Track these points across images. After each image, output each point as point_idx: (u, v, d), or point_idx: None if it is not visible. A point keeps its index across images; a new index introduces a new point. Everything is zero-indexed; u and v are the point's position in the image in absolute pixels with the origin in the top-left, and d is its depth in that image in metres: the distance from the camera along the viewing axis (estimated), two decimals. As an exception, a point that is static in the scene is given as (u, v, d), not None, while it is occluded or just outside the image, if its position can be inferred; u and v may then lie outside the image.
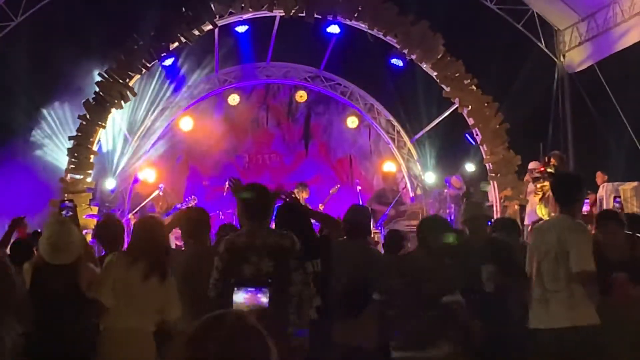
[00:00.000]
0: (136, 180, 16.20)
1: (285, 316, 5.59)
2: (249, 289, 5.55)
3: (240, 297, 5.55)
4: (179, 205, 14.29)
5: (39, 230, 8.20)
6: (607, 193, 13.57)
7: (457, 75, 14.97)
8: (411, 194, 17.56)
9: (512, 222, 8.90)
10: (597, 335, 5.80)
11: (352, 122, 17.67)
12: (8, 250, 7.88)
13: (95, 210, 13.97)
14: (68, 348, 6.05)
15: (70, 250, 6.15)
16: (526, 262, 6.27)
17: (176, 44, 14.48)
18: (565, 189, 6.28)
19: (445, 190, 15.62)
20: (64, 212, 6.94)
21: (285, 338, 5.39)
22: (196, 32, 14.39)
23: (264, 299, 5.52)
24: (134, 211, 14.61)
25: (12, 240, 8.15)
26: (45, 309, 6.08)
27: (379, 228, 14.57)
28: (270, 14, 14.81)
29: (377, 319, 6.34)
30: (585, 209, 11.53)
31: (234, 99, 17.14)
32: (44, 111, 15.22)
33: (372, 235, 13.14)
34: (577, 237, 5.87)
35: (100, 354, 6.06)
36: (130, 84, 14.35)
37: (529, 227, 11.49)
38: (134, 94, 14.63)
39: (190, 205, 14.03)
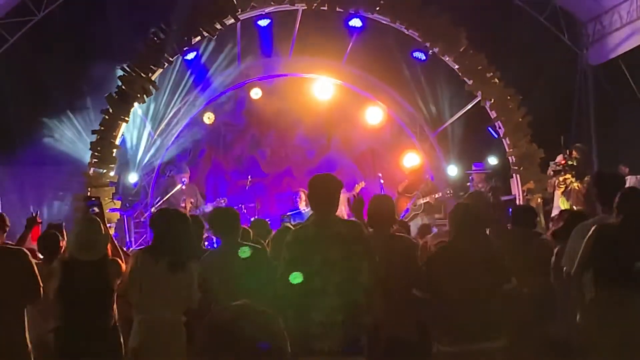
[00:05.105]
0: (158, 174, 16.29)
1: None
2: None
3: None
4: (206, 207, 14.36)
5: (55, 223, 8.31)
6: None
7: (479, 68, 14.93)
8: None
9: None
10: None
11: (374, 115, 17.61)
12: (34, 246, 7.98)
13: (118, 204, 14.05)
14: (96, 342, 6.21)
15: (97, 247, 6.36)
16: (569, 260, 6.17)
17: (198, 37, 14.53)
18: (612, 190, 6.12)
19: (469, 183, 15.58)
20: (91, 210, 7.05)
21: None
22: (218, 26, 14.43)
23: None
24: (157, 205, 14.66)
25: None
26: (74, 304, 6.23)
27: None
28: (292, 7, 14.81)
29: (418, 311, 6.28)
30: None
31: (256, 93, 17.13)
32: (67, 106, 15.30)
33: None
34: None
35: (135, 344, 6.27)
36: (153, 78, 14.40)
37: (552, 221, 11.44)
38: (157, 88, 14.66)
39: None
